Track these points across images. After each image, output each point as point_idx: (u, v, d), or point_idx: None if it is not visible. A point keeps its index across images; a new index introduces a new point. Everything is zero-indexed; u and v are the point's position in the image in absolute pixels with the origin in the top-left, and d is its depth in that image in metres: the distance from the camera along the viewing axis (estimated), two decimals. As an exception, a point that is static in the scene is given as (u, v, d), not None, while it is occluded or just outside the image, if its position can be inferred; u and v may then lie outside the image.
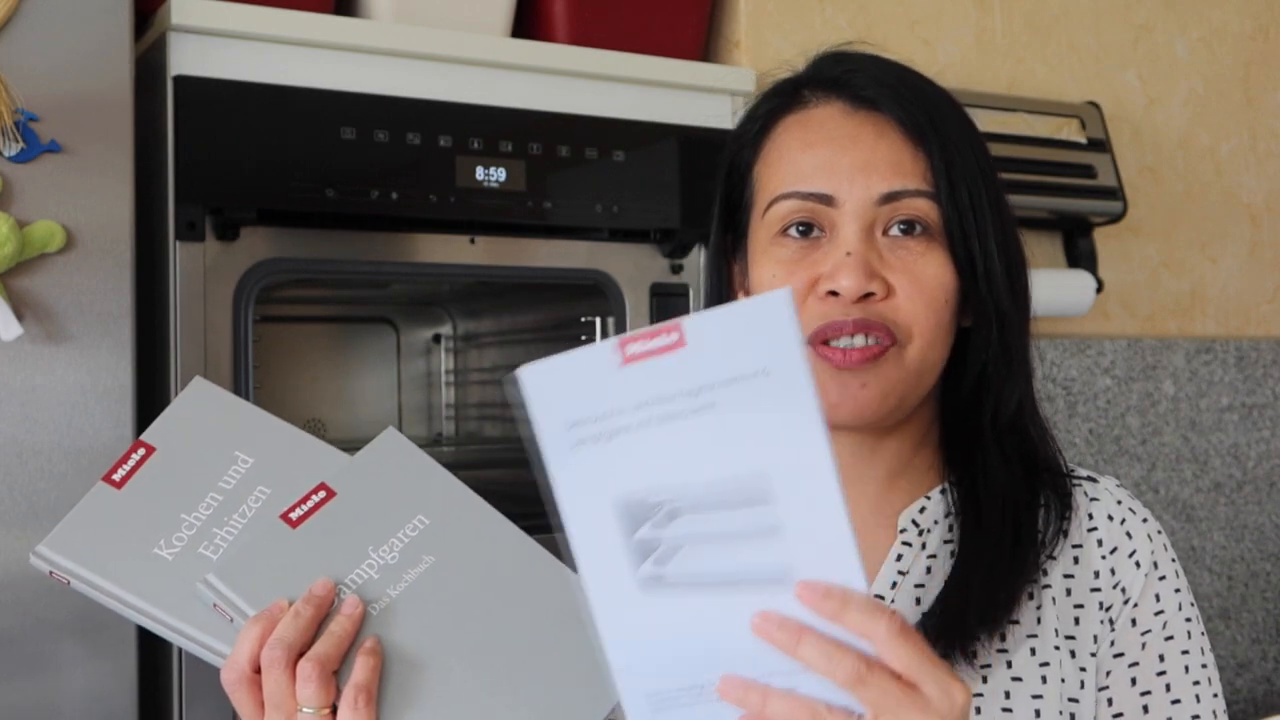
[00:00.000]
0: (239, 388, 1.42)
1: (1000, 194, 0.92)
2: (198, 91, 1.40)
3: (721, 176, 0.99)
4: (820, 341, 0.89)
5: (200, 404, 0.87)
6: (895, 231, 0.89)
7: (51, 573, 0.82)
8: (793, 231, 0.91)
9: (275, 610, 0.78)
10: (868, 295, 0.87)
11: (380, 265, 1.56)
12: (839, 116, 0.92)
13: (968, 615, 0.86)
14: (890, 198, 0.88)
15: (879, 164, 0.89)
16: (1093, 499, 0.94)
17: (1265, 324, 2.37)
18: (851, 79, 0.93)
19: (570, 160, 1.61)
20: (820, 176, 0.90)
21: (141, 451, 0.84)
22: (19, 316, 1.21)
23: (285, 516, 0.82)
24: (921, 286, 0.88)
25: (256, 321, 1.45)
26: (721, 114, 1.76)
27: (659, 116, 1.69)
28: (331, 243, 1.51)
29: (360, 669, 0.76)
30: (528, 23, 1.72)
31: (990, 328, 0.91)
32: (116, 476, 0.83)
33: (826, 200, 0.90)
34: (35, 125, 1.24)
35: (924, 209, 0.89)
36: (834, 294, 0.88)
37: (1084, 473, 0.97)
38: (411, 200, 1.51)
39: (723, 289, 1.00)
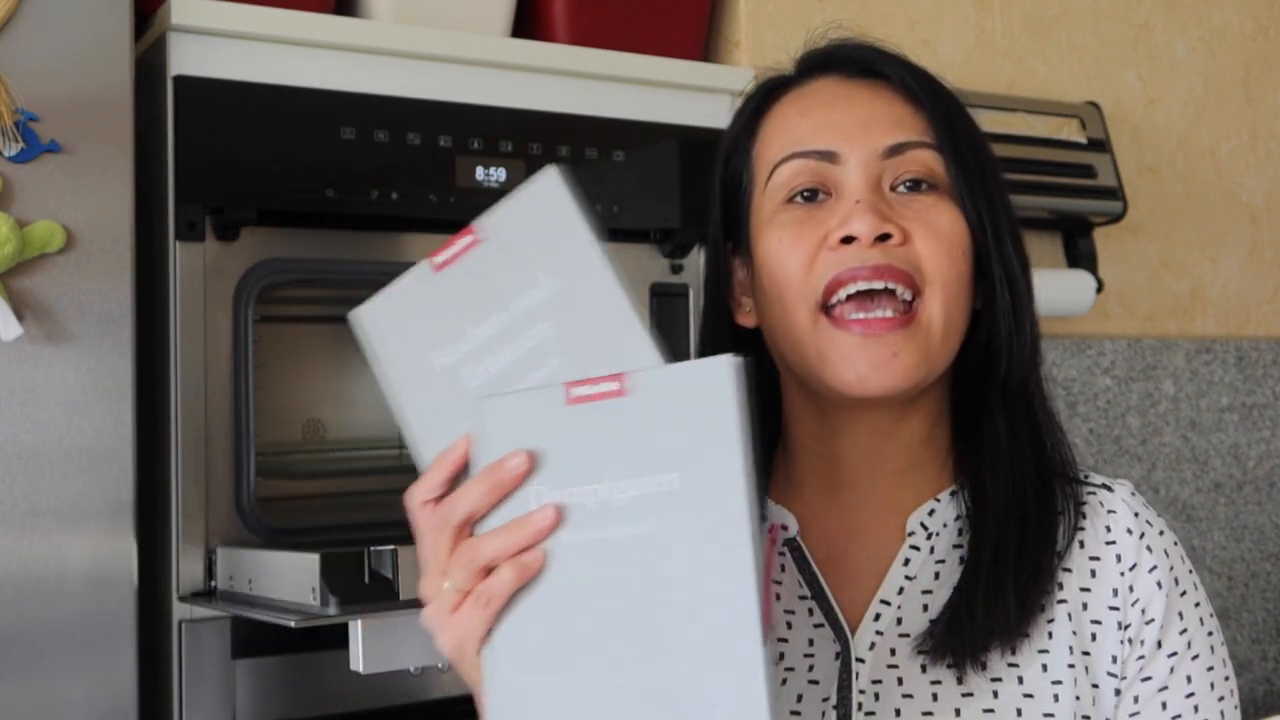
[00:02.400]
0: (239, 388, 1.42)
1: (995, 161, 0.92)
2: (198, 91, 1.40)
3: (719, 168, 0.98)
4: (830, 297, 0.85)
5: (544, 201, 0.80)
6: (903, 188, 0.88)
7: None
8: (798, 198, 0.89)
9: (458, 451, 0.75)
10: (885, 239, 0.85)
11: (380, 265, 1.56)
12: (834, 85, 0.93)
13: (978, 624, 0.85)
14: (895, 150, 0.87)
15: (880, 119, 0.88)
16: (1109, 510, 0.92)
17: (1265, 324, 2.37)
18: (840, 52, 0.94)
19: (570, 160, 1.61)
20: (820, 135, 0.89)
21: (468, 239, 0.80)
22: (19, 316, 1.21)
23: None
24: (939, 234, 0.86)
25: (256, 321, 1.45)
26: (721, 114, 1.75)
27: (659, 116, 1.69)
28: (331, 243, 1.51)
29: (508, 572, 0.71)
30: (528, 23, 1.72)
31: (1001, 285, 0.89)
32: (438, 259, 0.80)
33: (830, 157, 0.88)
34: (35, 125, 1.24)
35: (930, 161, 0.88)
36: (847, 241, 0.85)
37: (1099, 479, 0.94)
38: (411, 200, 1.51)
39: (721, 287, 0.98)
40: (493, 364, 0.77)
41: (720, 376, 0.70)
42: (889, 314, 0.84)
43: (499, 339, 0.78)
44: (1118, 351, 2.19)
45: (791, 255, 0.87)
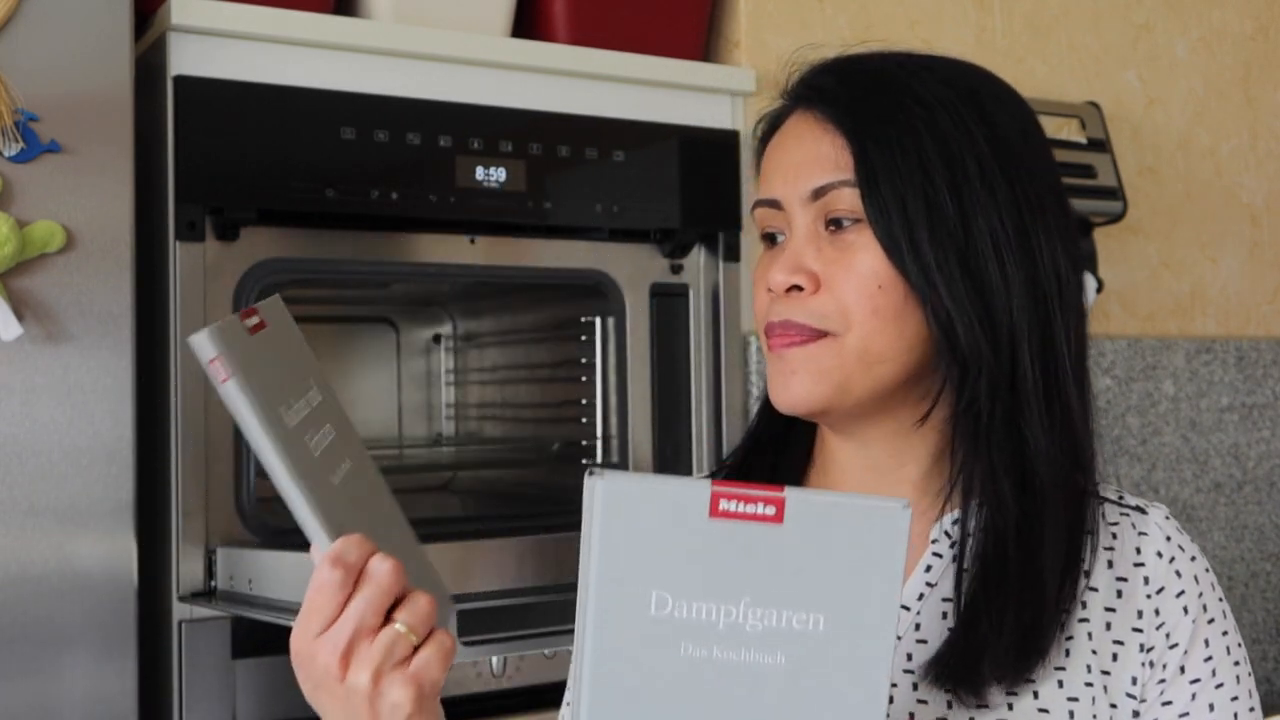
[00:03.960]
0: (239, 388, 1.42)
1: (963, 174, 0.88)
2: (198, 91, 1.40)
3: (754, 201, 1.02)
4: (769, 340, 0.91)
5: (277, 318, 0.81)
6: (833, 225, 0.89)
7: (212, 361, 0.73)
8: (766, 240, 0.94)
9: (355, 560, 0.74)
10: (796, 289, 0.88)
11: (380, 265, 1.56)
12: (794, 123, 0.94)
13: (982, 664, 0.84)
14: (818, 193, 0.89)
15: (807, 161, 0.90)
16: (1141, 533, 0.92)
17: (1265, 324, 2.37)
18: (801, 80, 0.94)
19: (570, 160, 1.61)
20: (769, 183, 0.93)
21: (257, 319, 0.77)
22: (19, 316, 1.21)
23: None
24: (850, 274, 0.87)
25: (256, 321, 1.45)
26: (721, 114, 1.75)
27: (659, 116, 1.69)
28: (331, 243, 1.51)
29: (433, 666, 0.73)
30: (528, 23, 1.72)
31: (929, 319, 0.87)
32: (249, 323, 0.76)
33: (775, 204, 0.92)
34: (35, 125, 1.24)
35: (852, 198, 0.88)
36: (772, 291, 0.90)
37: (1133, 501, 0.94)
38: (411, 200, 1.51)
39: None
40: (319, 441, 0.79)
41: (893, 523, 0.66)
42: (800, 334, 0.89)
43: (312, 419, 0.79)
44: (1118, 351, 2.19)
45: (757, 296, 0.94)
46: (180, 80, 1.39)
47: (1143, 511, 0.93)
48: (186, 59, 1.40)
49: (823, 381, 0.87)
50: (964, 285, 0.87)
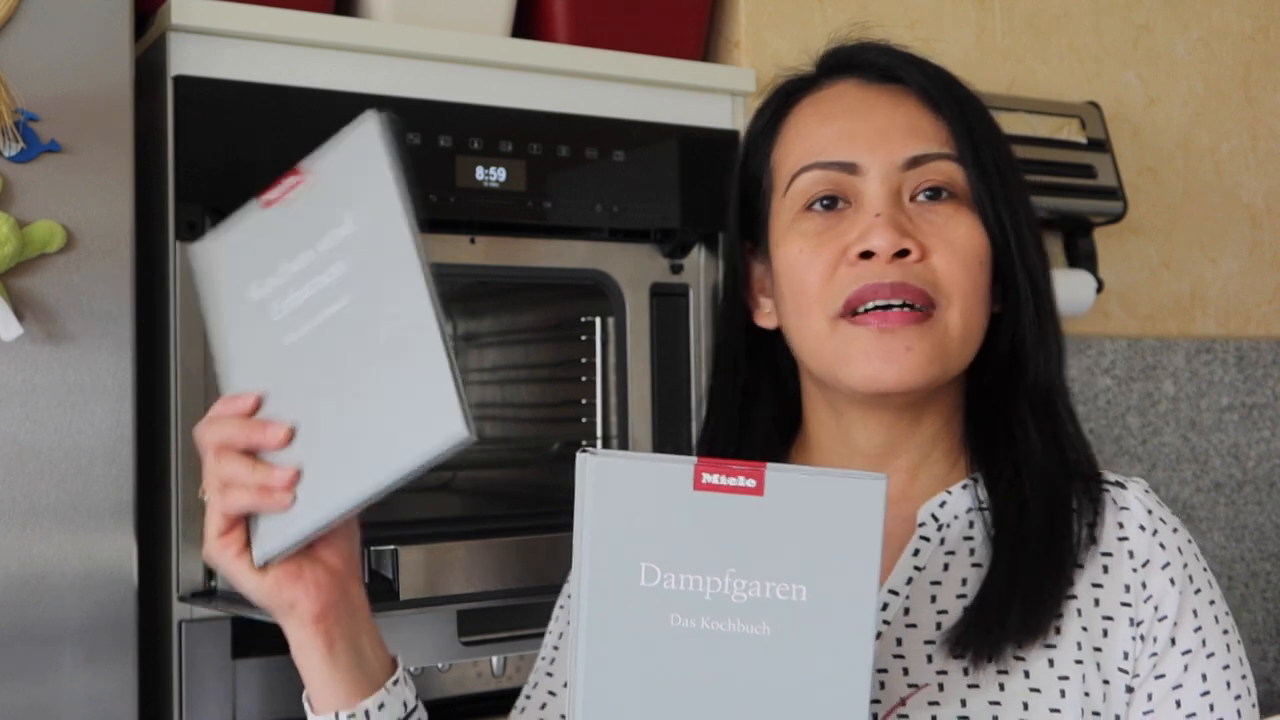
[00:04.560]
0: (239, 388, 1.42)
1: (1016, 163, 0.92)
2: (198, 91, 1.40)
3: (736, 171, 0.98)
4: (851, 310, 0.86)
5: (361, 145, 0.84)
6: (922, 198, 0.87)
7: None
8: (817, 205, 0.89)
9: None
10: (903, 255, 0.85)
11: (380, 265, 1.55)
12: (854, 90, 0.92)
13: (1007, 624, 0.84)
14: (915, 161, 0.87)
15: (899, 129, 0.88)
16: (1122, 507, 0.92)
17: (1265, 324, 2.37)
18: (862, 55, 0.93)
19: (570, 160, 1.61)
20: (841, 145, 0.89)
21: (294, 179, 0.83)
22: (19, 316, 1.21)
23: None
24: (956, 248, 0.86)
25: (256, 321, 1.45)
26: (721, 114, 1.75)
27: (659, 116, 1.69)
28: (331, 243, 1.51)
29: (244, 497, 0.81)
30: (528, 23, 1.72)
31: (1023, 294, 0.89)
32: (267, 196, 0.83)
33: (850, 169, 0.88)
34: (35, 125, 1.24)
35: (950, 172, 0.87)
36: (866, 257, 0.86)
37: (1112, 477, 0.94)
38: (411, 200, 1.51)
39: (740, 288, 0.98)
40: (295, 298, 0.80)
41: (870, 496, 0.69)
42: (906, 310, 0.86)
43: (304, 275, 0.80)
44: (1118, 351, 2.19)
45: (812, 267, 0.88)
46: (180, 80, 1.39)
47: (1122, 486, 0.93)
48: (186, 59, 1.40)
49: (936, 361, 0.86)
50: (1041, 257, 0.91)
